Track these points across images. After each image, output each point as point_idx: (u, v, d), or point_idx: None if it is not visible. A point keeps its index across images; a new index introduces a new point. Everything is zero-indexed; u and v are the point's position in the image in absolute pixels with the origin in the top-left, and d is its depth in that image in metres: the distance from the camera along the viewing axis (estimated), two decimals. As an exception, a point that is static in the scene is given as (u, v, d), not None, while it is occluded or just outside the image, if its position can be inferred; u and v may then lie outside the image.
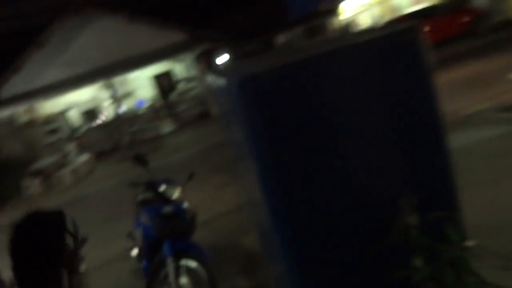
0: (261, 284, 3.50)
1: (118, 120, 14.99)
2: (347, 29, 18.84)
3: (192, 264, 3.15)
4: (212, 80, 2.69)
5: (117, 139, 14.49)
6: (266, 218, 2.09)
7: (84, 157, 12.28)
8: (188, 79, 17.60)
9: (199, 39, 14.66)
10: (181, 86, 17.95)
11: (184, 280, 3.11)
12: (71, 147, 14.81)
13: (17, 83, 14.02)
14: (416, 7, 16.17)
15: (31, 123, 14.78)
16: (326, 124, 1.91)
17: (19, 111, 14.05)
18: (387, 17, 17.46)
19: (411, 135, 2.00)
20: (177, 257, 3.11)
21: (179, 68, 19.21)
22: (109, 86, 15.13)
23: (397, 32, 1.95)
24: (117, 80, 17.02)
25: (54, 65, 14.26)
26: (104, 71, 13.94)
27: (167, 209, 3.23)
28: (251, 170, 2.04)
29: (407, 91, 1.97)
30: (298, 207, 1.92)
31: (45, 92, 13.57)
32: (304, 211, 1.93)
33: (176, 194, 3.55)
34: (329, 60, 1.90)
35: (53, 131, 15.76)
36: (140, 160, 3.86)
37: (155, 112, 17.30)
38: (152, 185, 3.47)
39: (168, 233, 3.17)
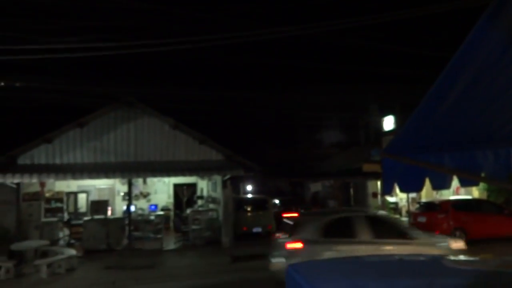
0: None
1: (124, 220, 13.86)
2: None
3: None
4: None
5: (114, 240, 13.17)
6: None
7: (71, 251, 10.89)
8: (209, 199, 16.77)
9: (234, 165, 14.19)
10: (200, 204, 17.07)
11: None
12: (64, 234, 13.57)
13: (41, 153, 13.57)
14: (458, 196, 15.49)
15: (36, 196, 13.86)
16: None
17: (31, 181, 13.25)
18: (428, 198, 16.75)
19: None
20: None
21: (203, 184, 18.62)
22: (128, 182, 14.44)
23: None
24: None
25: (85, 147, 13.92)
26: (131, 169, 13.37)
27: None
28: None
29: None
30: None
31: (64, 170, 12.92)
32: None
33: None
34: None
35: (56, 211, 14.72)
36: None
37: (165, 222, 16.18)
38: None
39: None
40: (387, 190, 3.13)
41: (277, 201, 20.05)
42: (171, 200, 18.79)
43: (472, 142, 2.96)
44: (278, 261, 7.59)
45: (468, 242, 12.26)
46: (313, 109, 23.18)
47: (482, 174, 2.99)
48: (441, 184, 3.02)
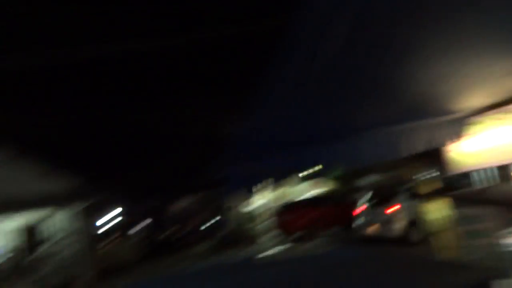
0: None
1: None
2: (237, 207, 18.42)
3: None
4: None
5: None
6: None
7: None
8: (62, 236, 15.04)
9: (88, 193, 13.09)
10: (49, 244, 15.07)
11: None
12: None
13: None
14: (308, 194, 17.12)
15: None
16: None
17: None
18: (280, 201, 17.19)
19: None
20: None
21: (58, 217, 16.68)
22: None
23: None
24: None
25: None
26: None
27: None
28: None
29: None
30: None
31: None
32: None
33: None
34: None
35: None
36: None
37: (15, 268, 13.92)
38: None
39: None
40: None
41: (147, 222, 19.15)
42: (19, 242, 16.34)
43: (281, 147, 3.30)
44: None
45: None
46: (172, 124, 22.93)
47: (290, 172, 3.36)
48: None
